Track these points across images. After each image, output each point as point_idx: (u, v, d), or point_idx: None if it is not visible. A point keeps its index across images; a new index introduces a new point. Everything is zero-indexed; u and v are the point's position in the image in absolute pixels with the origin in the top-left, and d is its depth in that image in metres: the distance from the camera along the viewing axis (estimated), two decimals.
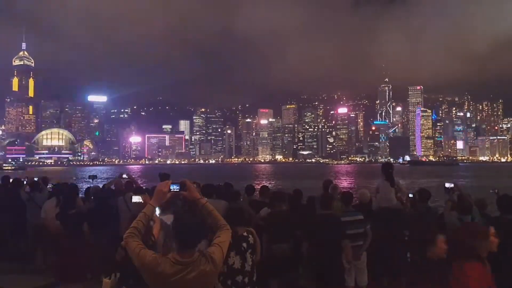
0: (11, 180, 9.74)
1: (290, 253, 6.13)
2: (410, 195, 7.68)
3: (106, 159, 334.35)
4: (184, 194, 3.19)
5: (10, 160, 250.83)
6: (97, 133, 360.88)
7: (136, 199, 5.02)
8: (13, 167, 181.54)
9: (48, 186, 9.96)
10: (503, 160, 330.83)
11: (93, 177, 11.31)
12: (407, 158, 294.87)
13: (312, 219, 6.34)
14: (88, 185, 10.39)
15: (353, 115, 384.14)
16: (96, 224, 6.72)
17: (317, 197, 8.00)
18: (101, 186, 9.86)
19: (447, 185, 7.29)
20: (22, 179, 9.90)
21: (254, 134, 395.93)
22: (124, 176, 9.57)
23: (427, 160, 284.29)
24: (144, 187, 9.93)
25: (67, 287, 5.83)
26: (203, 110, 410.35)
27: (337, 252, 5.98)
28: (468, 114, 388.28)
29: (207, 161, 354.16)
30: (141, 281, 2.88)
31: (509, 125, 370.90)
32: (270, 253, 5.93)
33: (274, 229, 6.05)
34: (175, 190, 3.18)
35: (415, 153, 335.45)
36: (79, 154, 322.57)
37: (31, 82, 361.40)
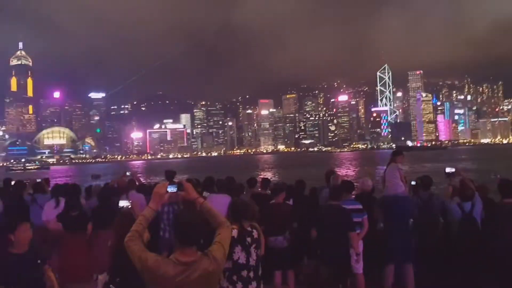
0: (13, 182, 9.73)
1: (286, 245, 6.18)
2: (413, 183, 7.52)
3: (108, 155, 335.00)
4: (182, 194, 3.21)
5: (10, 160, 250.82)
6: (98, 130, 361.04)
7: (124, 203, 5.05)
8: (37, 166, 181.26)
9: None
10: (505, 141, 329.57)
11: (97, 176, 11.29)
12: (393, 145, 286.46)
13: (322, 209, 6.36)
14: (90, 184, 10.36)
15: (354, 102, 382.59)
16: (100, 224, 6.72)
17: (320, 187, 8.00)
18: (103, 184, 9.85)
19: (447, 169, 6.90)
20: (25, 181, 9.87)
21: (255, 125, 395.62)
22: (128, 173, 9.54)
23: (413, 145, 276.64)
24: (146, 184, 9.96)
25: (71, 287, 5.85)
26: (203, 103, 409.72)
27: (345, 242, 5.99)
28: (469, 97, 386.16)
29: (209, 154, 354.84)
30: (128, 281, 2.81)
31: (509, 107, 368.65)
32: (267, 245, 5.89)
33: (270, 222, 6.06)
34: (173, 191, 3.21)
35: (402, 138, 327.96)
36: (81, 152, 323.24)
37: (29, 81, 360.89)
